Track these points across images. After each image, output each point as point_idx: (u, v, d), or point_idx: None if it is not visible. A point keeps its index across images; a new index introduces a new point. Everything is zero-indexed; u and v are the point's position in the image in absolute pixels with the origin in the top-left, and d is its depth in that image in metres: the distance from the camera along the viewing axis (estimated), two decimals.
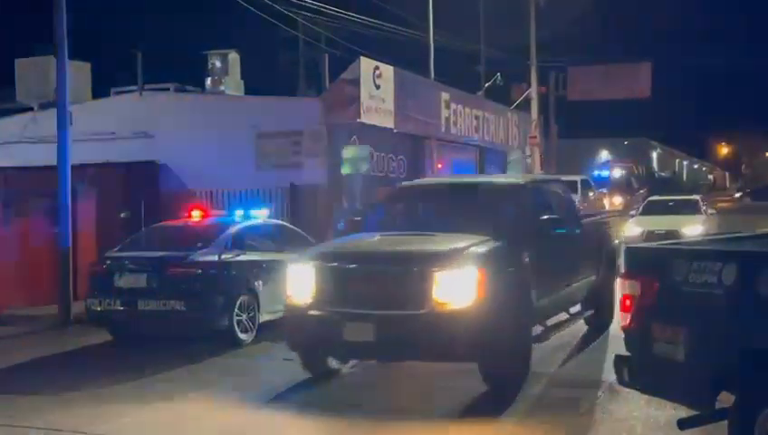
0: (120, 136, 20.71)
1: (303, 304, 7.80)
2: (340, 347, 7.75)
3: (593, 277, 10.20)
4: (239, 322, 10.64)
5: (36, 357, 10.60)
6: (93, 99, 22.52)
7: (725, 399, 5.23)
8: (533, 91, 35.28)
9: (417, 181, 10.41)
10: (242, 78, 24.71)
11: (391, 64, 21.88)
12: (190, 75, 25.22)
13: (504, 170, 32.46)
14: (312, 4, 26.24)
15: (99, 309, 10.82)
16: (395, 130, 21.60)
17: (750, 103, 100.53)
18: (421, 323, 7.21)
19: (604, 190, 30.63)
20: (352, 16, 28.19)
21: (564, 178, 27.99)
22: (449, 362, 7.60)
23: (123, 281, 10.70)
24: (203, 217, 12.22)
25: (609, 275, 10.63)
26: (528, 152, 34.99)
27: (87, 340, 11.47)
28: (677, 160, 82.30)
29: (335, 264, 7.85)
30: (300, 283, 7.90)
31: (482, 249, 7.63)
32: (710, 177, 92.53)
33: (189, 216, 12.21)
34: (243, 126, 19.82)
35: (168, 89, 22.88)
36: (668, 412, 6.52)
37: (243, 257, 10.99)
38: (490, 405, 7.41)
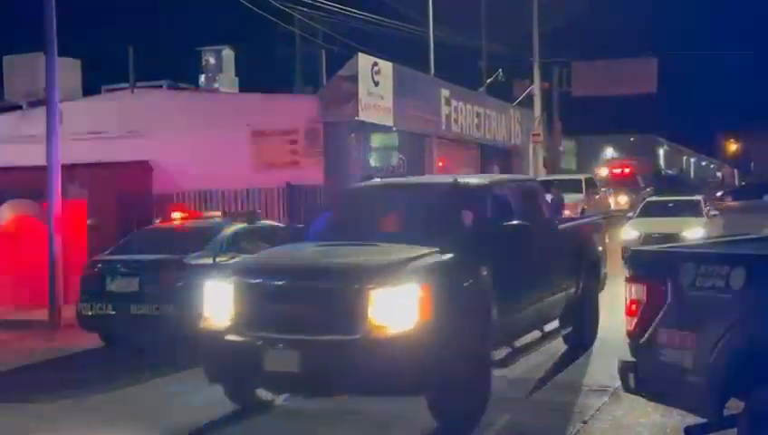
0: (111, 135, 20.71)
1: (220, 327, 6.85)
2: (260, 379, 6.84)
3: (573, 290, 9.37)
4: None
5: (23, 364, 10.59)
6: (84, 97, 22.52)
7: (734, 406, 5.22)
8: (536, 88, 35.30)
9: (365, 183, 9.45)
10: (236, 75, 24.75)
11: (390, 60, 21.89)
12: (183, 72, 25.28)
13: (507, 169, 32.46)
14: None
15: (90, 314, 10.81)
16: (394, 128, 21.61)
17: (760, 99, 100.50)
18: (355, 351, 6.32)
19: (609, 189, 30.58)
20: (350, 11, 28.22)
21: (568, 177, 28.23)
22: (390, 395, 6.66)
23: (115, 285, 10.68)
24: (186, 218, 12.23)
25: (591, 286, 9.87)
26: (531, 150, 34.99)
27: (77, 344, 11.46)
28: (685, 158, 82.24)
29: (256, 279, 6.88)
30: (216, 301, 6.96)
31: (429, 261, 6.77)
32: (718, 174, 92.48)
33: (172, 218, 12.24)
34: (238, 124, 19.83)
35: (161, 86, 22.90)
36: (675, 419, 6.52)
37: (237, 260, 10.98)
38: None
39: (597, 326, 9.97)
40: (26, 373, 10.14)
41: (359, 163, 20.49)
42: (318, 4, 27.13)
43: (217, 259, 10.60)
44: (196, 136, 19.90)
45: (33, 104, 20.76)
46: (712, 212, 19.72)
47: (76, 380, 9.33)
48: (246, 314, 6.77)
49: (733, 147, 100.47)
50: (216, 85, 23.89)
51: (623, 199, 32.11)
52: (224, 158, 19.39)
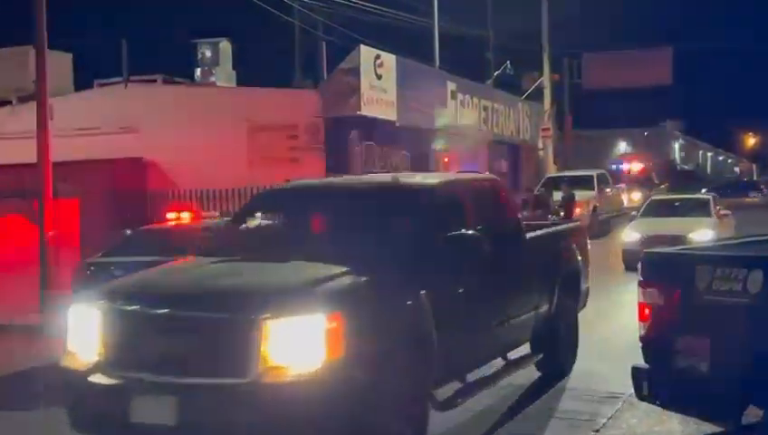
0: (104, 131, 20.75)
1: (84, 364, 5.71)
2: (126, 433, 5.54)
3: (545, 309, 8.25)
4: None
5: (13, 371, 10.61)
6: (75, 91, 22.55)
7: (753, 414, 5.22)
8: (546, 80, 35.27)
9: (283, 185, 8.33)
10: (234, 68, 24.74)
11: (393, 53, 21.89)
12: (179, 66, 25.27)
13: (515, 165, 32.46)
14: None
15: None
16: (397, 123, 21.62)
17: None
18: (243, 398, 5.20)
19: (622, 186, 30.56)
20: (351, 2, 28.20)
21: (579, 172, 28.20)
22: None
23: None
24: (192, 218, 12.23)
25: (568, 304, 8.75)
26: (540, 145, 34.99)
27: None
28: (701, 152, 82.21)
29: (129, 305, 5.73)
30: (81, 332, 5.84)
31: (343, 283, 5.66)
32: (736, 169, 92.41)
33: (167, 219, 12.25)
34: (235, 119, 19.86)
35: (155, 80, 22.91)
36: (692, 428, 6.50)
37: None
38: None
39: (575, 350, 8.93)
40: (15, 380, 10.15)
41: (361, 159, 20.51)
42: None
43: None
44: (192, 132, 19.93)
45: (22, 99, 20.81)
46: (722, 211, 18.77)
47: None
48: (116, 350, 5.62)
49: (751, 141, 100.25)
50: (213, 79, 23.89)
51: (636, 196, 32.06)
52: (221, 154, 19.42)
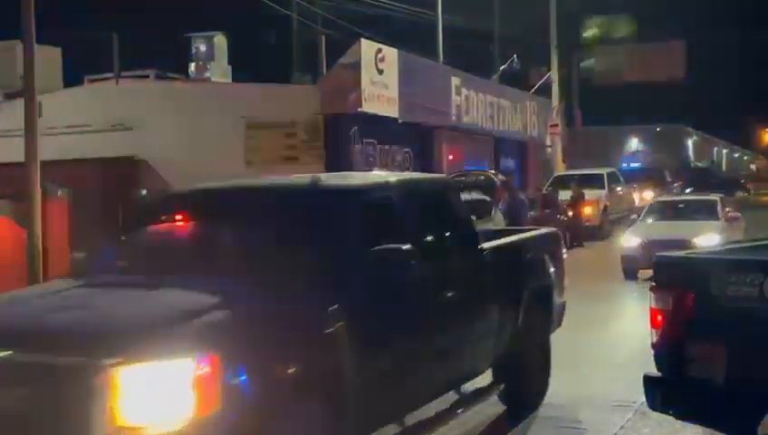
0: (94, 129, 20.76)
1: None
2: None
3: (508, 331, 7.27)
4: None
5: None
6: (65, 88, 22.55)
7: None
8: (554, 75, 35.25)
9: (178, 189, 7.39)
10: (229, 63, 24.73)
11: (395, 47, 21.87)
12: (172, 61, 25.25)
13: (522, 163, 32.44)
14: None
15: None
16: (400, 120, 21.61)
17: None
18: None
19: (634, 184, 30.56)
20: None
21: (589, 171, 28.20)
22: None
23: None
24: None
25: (538, 324, 7.77)
26: (548, 142, 34.97)
27: None
28: (716, 149, 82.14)
29: None
30: None
31: (223, 316, 4.65)
32: (752, 166, 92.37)
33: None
34: (231, 116, 19.85)
35: (148, 76, 22.92)
36: None
37: None
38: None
39: (547, 378, 7.92)
40: None
41: (361, 158, 20.50)
42: None
43: None
44: (187, 129, 19.93)
45: (9, 96, 20.80)
46: (731, 214, 18.14)
47: None
48: None
49: None
50: (208, 74, 23.87)
51: (649, 195, 32.04)
52: (216, 152, 19.41)
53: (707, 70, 58.31)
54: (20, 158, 14.24)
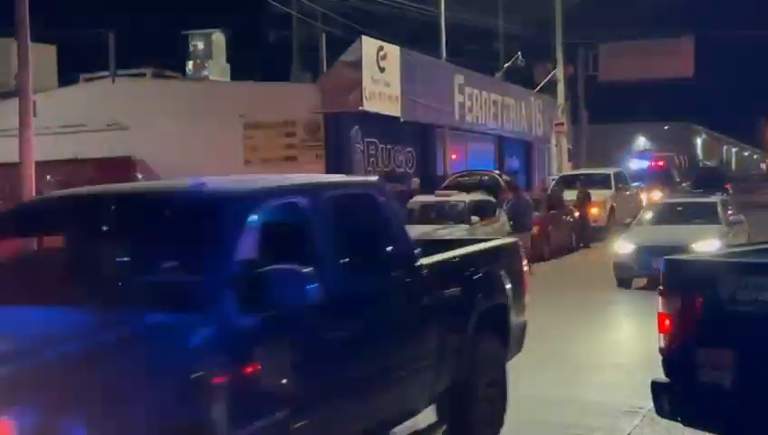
0: (90, 128, 20.80)
1: None
2: None
3: (451, 360, 6.31)
4: None
5: None
6: (60, 86, 22.59)
7: None
8: (560, 72, 35.27)
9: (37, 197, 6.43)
10: (228, 61, 24.78)
11: (397, 44, 21.89)
12: (169, 59, 25.29)
13: (527, 162, 32.45)
14: None
15: None
16: (402, 119, 21.63)
17: None
18: None
19: (641, 184, 30.55)
20: None
21: (595, 170, 28.20)
22: None
23: None
24: None
25: (492, 351, 6.83)
26: (554, 141, 34.98)
27: None
28: (725, 147, 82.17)
29: None
30: None
31: (26, 365, 3.62)
32: (762, 165, 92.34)
33: None
34: (229, 115, 19.89)
35: (145, 74, 22.96)
36: None
37: None
38: None
39: (502, 414, 6.92)
40: None
41: (363, 158, 20.52)
42: None
43: None
44: (184, 129, 19.96)
45: (3, 95, 20.84)
46: (733, 217, 17.25)
47: None
48: None
49: None
50: (206, 73, 23.93)
51: (657, 195, 32.05)
52: (215, 152, 19.43)
53: (717, 67, 58.30)
54: (14, 158, 14.28)
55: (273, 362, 4.61)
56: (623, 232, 17.69)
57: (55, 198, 5.84)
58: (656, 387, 5.82)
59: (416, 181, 20.91)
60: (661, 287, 5.86)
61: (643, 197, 30.72)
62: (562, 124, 34.58)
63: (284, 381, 4.68)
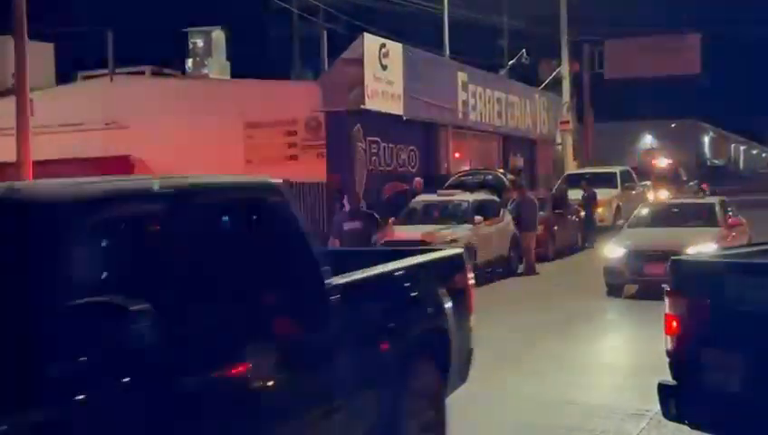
0: (88, 127, 20.81)
1: None
2: None
3: (374, 400, 5.33)
4: None
5: None
6: (58, 84, 22.61)
7: None
8: (565, 69, 35.24)
9: None
10: (228, 59, 24.78)
11: (400, 41, 21.89)
12: (168, 57, 25.29)
13: (531, 161, 32.43)
14: None
15: None
16: (404, 118, 21.63)
17: None
18: None
19: (647, 183, 30.53)
20: None
21: (601, 169, 28.17)
22: None
23: None
24: None
25: (425, 383, 5.77)
26: (559, 140, 34.97)
27: None
28: (733, 146, 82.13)
29: None
30: None
31: None
32: None
33: None
34: (229, 114, 19.89)
35: (144, 72, 22.98)
36: None
37: None
38: None
39: None
40: None
41: (365, 157, 20.51)
42: None
43: None
44: (183, 128, 19.97)
45: (0, 94, 20.85)
46: (733, 219, 16.33)
47: None
48: None
49: None
50: (205, 71, 23.94)
51: (663, 195, 32.05)
52: (215, 152, 19.44)
53: (724, 64, 58.26)
54: (11, 157, 14.30)
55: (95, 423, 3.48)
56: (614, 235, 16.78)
57: None
58: (662, 389, 5.82)
59: (419, 180, 20.92)
60: (668, 288, 5.86)
61: (650, 196, 30.73)
62: (568, 122, 34.55)
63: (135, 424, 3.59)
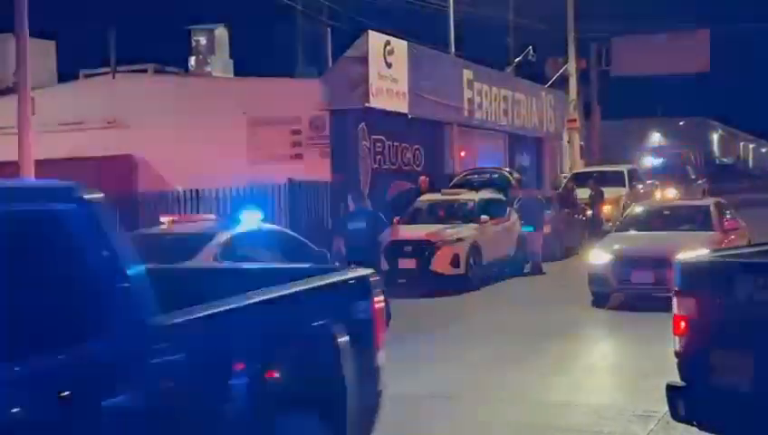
0: (90, 125, 20.83)
1: None
2: None
3: None
4: None
5: None
6: (59, 83, 22.63)
7: None
8: (572, 67, 35.19)
9: None
10: (231, 57, 24.77)
11: (404, 39, 21.87)
12: (171, 54, 25.30)
13: (538, 159, 32.39)
14: None
15: None
16: (409, 116, 21.61)
17: None
18: None
19: (655, 182, 30.50)
20: None
21: (608, 168, 28.12)
22: None
23: None
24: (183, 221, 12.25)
25: None
26: (566, 138, 34.92)
27: None
28: (742, 144, 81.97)
29: None
30: None
31: None
32: None
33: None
34: (233, 112, 19.89)
35: (146, 70, 22.98)
36: None
37: None
38: None
39: None
40: None
41: (369, 155, 20.50)
42: None
43: None
44: (187, 126, 19.98)
45: (2, 92, 20.89)
46: (729, 222, 15.36)
47: None
48: None
49: None
50: (209, 69, 23.93)
51: (671, 193, 32.02)
52: (218, 150, 19.45)
53: (734, 61, 58.17)
54: (13, 156, 14.32)
55: None
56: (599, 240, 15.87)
57: None
58: (671, 390, 5.82)
59: (424, 179, 20.91)
60: (676, 288, 5.85)
61: (658, 194, 30.68)
62: (575, 120, 34.50)
63: None
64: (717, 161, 62.46)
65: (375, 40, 20.27)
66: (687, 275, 5.88)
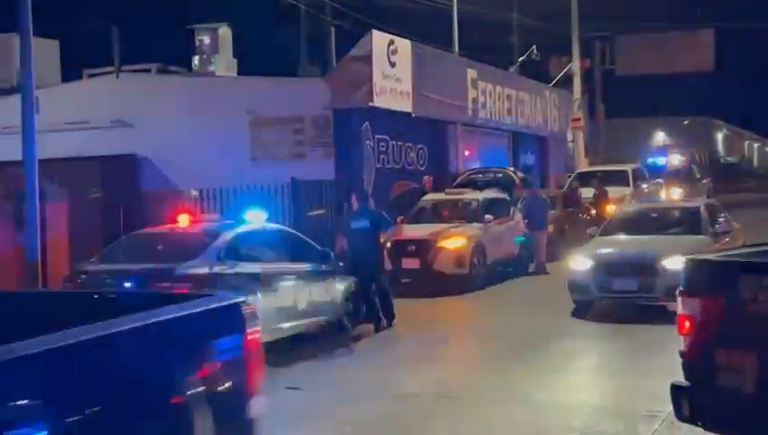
0: (94, 125, 20.85)
1: None
2: None
3: None
4: None
5: None
6: (63, 82, 22.66)
7: None
8: (576, 66, 35.19)
9: None
10: (234, 56, 24.78)
11: (408, 38, 21.88)
12: (175, 54, 25.34)
13: (542, 158, 32.39)
14: None
15: None
16: (413, 115, 21.61)
17: None
18: None
19: (660, 181, 30.49)
20: None
21: (613, 167, 28.09)
22: None
23: None
24: (191, 221, 12.26)
25: None
26: (570, 137, 34.92)
27: None
28: (747, 143, 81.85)
29: None
30: None
31: None
32: None
33: (175, 221, 12.26)
34: (236, 112, 19.91)
35: (150, 70, 23.01)
36: None
37: (237, 269, 11.03)
38: None
39: None
40: None
41: (373, 155, 20.51)
42: None
43: (214, 269, 10.68)
44: (190, 125, 20.00)
45: (5, 91, 20.91)
46: (722, 225, 14.59)
47: None
48: None
49: None
50: (212, 68, 23.94)
51: (676, 193, 32.01)
52: (221, 150, 19.48)
53: (738, 60, 58.06)
54: (17, 156, 14.32)
55: None
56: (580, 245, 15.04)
57: None
58: (675, 390, 5.83)
59: (428, 178, 20.92)
60: (681, 288, 5.87)
61: (662, 194, 30.65)
62: (579, 119, 34.50)
63: None
64: (722, 161, 62.40)
65: (379, 39, 20.28)
66: (692, 276, 5.89)
